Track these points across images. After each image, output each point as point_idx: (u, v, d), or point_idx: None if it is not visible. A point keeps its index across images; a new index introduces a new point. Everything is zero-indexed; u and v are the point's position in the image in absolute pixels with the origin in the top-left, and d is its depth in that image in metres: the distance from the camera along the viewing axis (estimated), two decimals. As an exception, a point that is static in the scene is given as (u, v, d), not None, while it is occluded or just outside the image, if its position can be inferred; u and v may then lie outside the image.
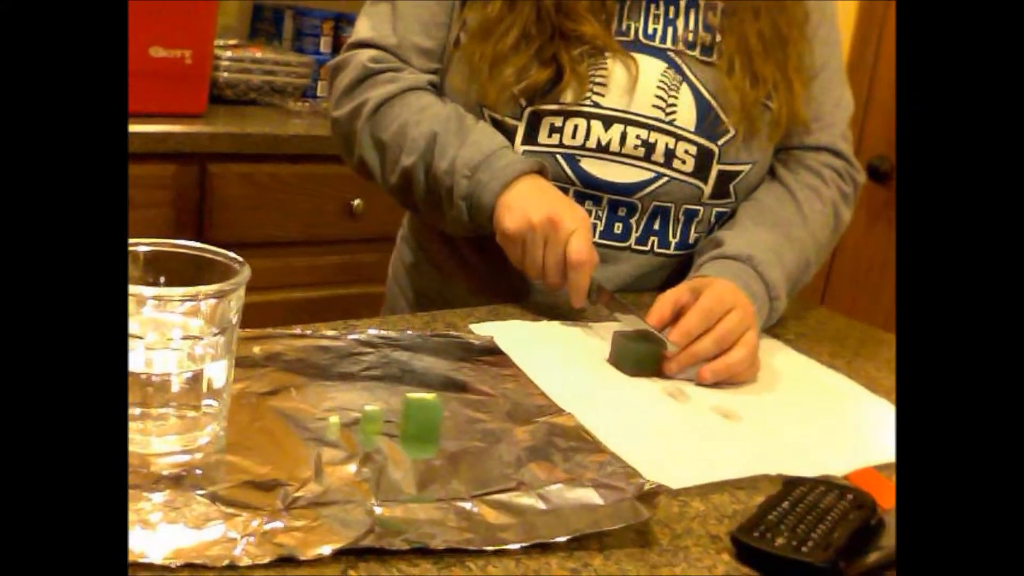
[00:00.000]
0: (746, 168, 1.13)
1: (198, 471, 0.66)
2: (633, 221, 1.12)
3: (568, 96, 1.07)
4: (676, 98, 1.08)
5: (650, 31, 1.09)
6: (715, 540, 0.67)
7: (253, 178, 2.02)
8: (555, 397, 0.83)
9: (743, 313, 0.95)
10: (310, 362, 0.84)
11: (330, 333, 0.89)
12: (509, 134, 1.09)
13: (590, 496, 0.67)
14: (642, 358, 0.94)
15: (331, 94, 1.19)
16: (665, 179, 1.10)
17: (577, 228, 0.99)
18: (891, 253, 2.30)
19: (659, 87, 1.08)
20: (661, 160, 1.09)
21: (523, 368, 0.89)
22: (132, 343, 0.65)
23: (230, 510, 0.61)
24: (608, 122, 1.08)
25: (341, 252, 2.18)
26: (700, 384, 0.93)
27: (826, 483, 0.73)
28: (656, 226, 1.12)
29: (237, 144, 1.98)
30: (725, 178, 1.12)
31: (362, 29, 1.18)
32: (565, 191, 1.09)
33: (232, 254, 0.71)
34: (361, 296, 2.04)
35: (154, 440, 0.68)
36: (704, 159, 1.10)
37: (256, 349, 0.84)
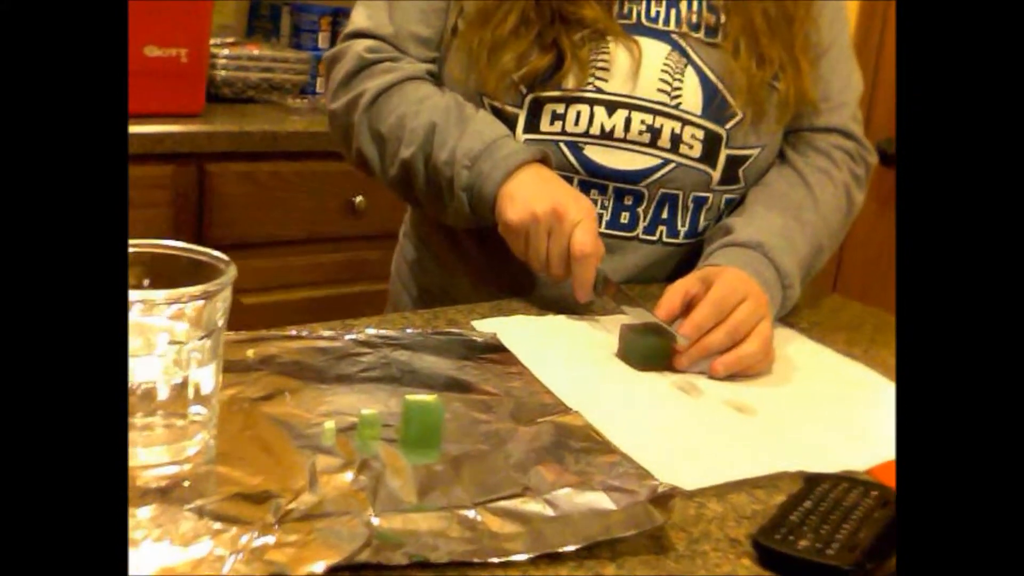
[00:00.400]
0: (755, 152, 1.09)
1: (186, 483, 0.62)
2: (640, 210, 1.08)
3: (570, 82, 1.04)
4: (681, 81, 1.05)
5: (653, 13, 1.06)
6: (735, 544, 0.64)
7: (252, 177, 1.99)
8: (562, 395, 0.80)
9: (756, 303, 0.92)
10: (306, 364, 0.80)
11: (327, 334, 0.86)
12: (510, 123, 1.06)
13: (601, 500, 0.63)
14: (651, 352, 0.90)
15: (327, 86, 1.16)
16: (672, 165, 1.06)
17: (582, 219, 0.96)
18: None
19: (663, 70, 1.04)
20: (667, 145, 1.05)
21: (528, 365, 0.85)
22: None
23: (219, 525, 0.58)
24: (612, 108, 1.04)
25: (344, 250, 2.15)
26: (712, 378, 0.89)
27: (849, 479, 0.70)
28: (664, 214, 1.09)
29: (235, 143, 1.95)
30: (734, 163, 1.08)
31: (358, 19, 1.15)
32: (569, 180, 1.06)
33: (217, 253, 0.68)
34: (365, 294, 2.02)
35: (140, 451, 0.64)
36: (712, 144, 1.06)
37: (250, 352, 0.81)
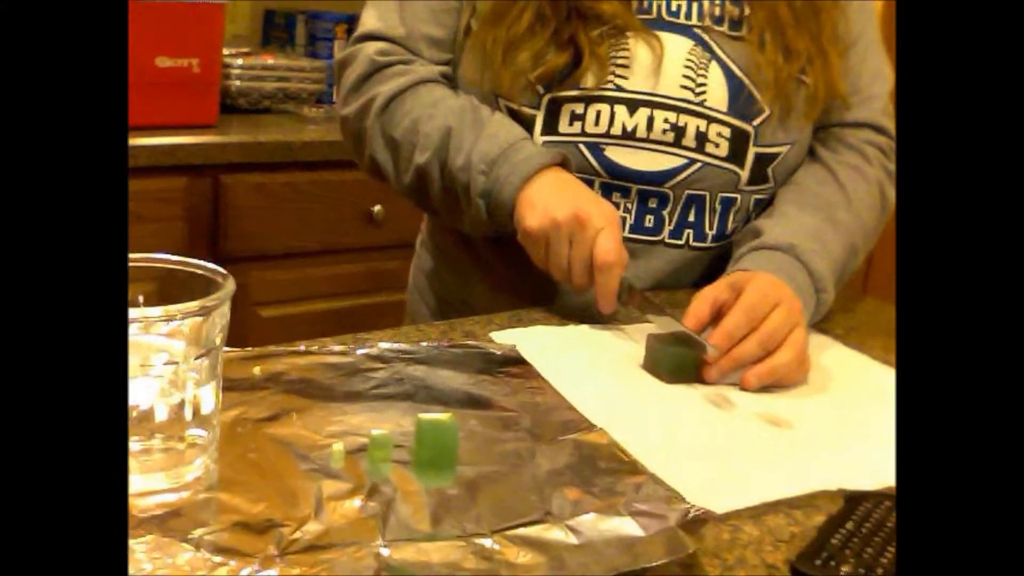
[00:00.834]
0: (784, 149, 1.04)
1: (183, 512, 0.58)
2: (665, 213, 1.04)
3: (588, 80, 1.00)
4: (705, 77, 1.00)
5: (674, 7, 1.02)
6: (772, 570, 0.59)
7: (268, 188, 1.96)
8: (585, 410, 0.75)
9: (789, 309, 0.87)
10: (314, 382, 0.76)
11: (337, 348, 0.82)
12: (527, 124, 1.02)
13: (627, 526, 0.59)
14: (680, 363, 0.85)
15: (338, 91, 1.12)
16: (698, 165, 1.02)
17: (605, 225, 0.91)
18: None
19: (687, 66, 1.00)
20: (692, 145, 1.01)
21: (549, 379, 0.81)
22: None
23: (218, 558, 0.54)
24: (633, 106, 1.00)
25: (363, 260, 2.11)
26: (745, 390, 0.85)
27: (892, 497, 0.65)
28: (691, 217, 1.04)
29: (249, 153, 1.92)
30: (762, 161, 1.04)
31: (368, 21, 1.12)
32: (590, 183, 1.01)
33: (214, 266, 0.64)
34: (386, 305, 1.99)
35: (137, 478, 0.60)
36: (739, 142, 1.02)
37: (255, 370, 0.77)
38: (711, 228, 1.06)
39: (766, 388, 0.85)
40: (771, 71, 1.01)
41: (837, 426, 0.81)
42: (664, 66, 1.00)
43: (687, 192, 1.03)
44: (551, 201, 0.94)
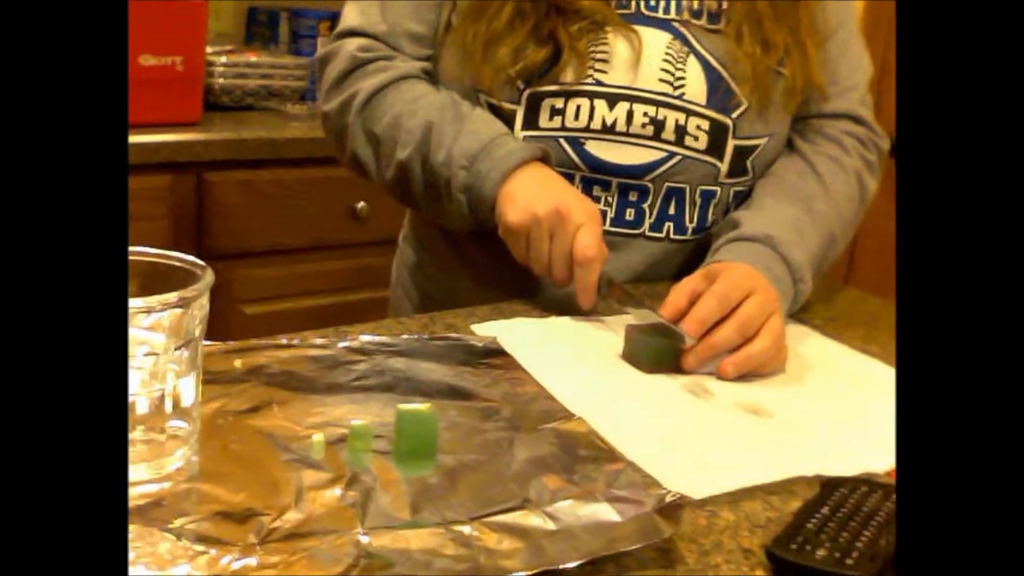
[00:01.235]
0: (763, 141, 1.05)
1: (164, 503, 0.59)
2: (646, 206, 1.04)
3: (568, 75, 1.00)
4: (684, 71, 1.01)
5: (652, 2, 1.02)
6: (748, 554, 0.60)
7: (252, 185, 1.96)
8: (565, 400, 0.76)
9: (764, 298, 0.88)
10: (296, 374, 0.77)
11: (319, 341, 0.82)
12: (508, 120, 1.02)
13: (605, 512, 0.60)
14: (659, 353, 0.86)
15: (319, 87, 1.12)
16: (678, 158, 1.02)
17: (586, 221, 0.92)
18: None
19: (665, 60, 1.01)
20: (672, 138, 1.02)
21: (529, 370, 0.81)
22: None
23: (198, 547, 0.54)
24: (613, 100, 1.01)
25: (347, 257, 2.11)
26: (723, 379, 0.85)
27: (868, 483, 0.66)
28: (671, 210, 1.05)
29: (234, 151, 1.92)
30: (742, 153, 1.04)
31: (350, 17, 1.12)
32: (571, 177, 1.02)
33: (193, 259, 0.64)
34: (370, 301, 1.99)
35: (118, 470, 0.61)
36: (718, 134, 1.02)
37: (237, 363, 0.77)
38: (691, 221, 1.06)
39: (744, 377, 0.85)
40: (749, 64, 1.01)
41: (813, 414, 0.81)
42: (643, 60, 1.00)
43: (667, 185, 1.04)
44: (532, 197, 0.94)
